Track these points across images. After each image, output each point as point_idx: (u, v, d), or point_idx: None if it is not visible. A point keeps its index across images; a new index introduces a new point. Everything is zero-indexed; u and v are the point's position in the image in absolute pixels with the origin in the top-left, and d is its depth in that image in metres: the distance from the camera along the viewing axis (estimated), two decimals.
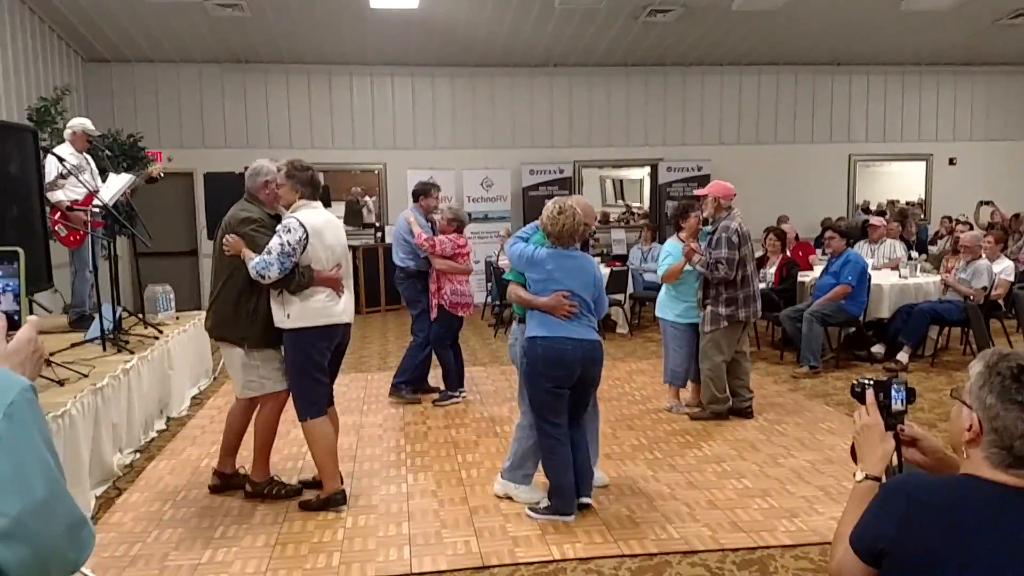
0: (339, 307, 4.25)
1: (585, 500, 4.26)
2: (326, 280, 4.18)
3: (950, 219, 12.26)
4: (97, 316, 5.90)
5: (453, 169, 12.49)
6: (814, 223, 13.05)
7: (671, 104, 13.50)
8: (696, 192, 6.17)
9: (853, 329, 8.01)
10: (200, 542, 3.97)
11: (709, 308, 5.73)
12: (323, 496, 4.33)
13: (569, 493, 4.14)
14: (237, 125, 12.44)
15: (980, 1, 10.59)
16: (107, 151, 7.16)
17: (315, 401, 4.26)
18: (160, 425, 5.98)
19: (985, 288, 7.42)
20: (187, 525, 4.18)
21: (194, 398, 6.83)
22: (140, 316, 6.58)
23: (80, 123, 6.58)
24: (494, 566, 3.66)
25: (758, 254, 8.98)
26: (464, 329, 6.75)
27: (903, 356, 7.56)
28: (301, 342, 4.16)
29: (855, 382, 2.03)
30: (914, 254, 11.04)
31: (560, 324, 4.08)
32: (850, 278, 7.47)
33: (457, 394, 6.52)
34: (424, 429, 5.85)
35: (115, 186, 6.10)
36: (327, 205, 12.26)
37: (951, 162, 14.15)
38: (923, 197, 14.39)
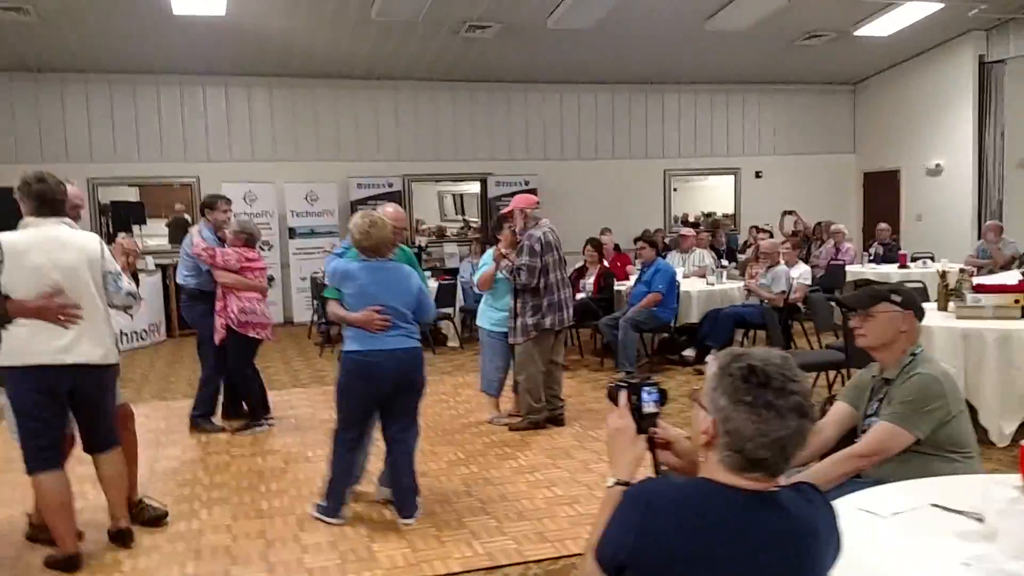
0: (54, 343, 3.58)
1: (411, 520, 4.21)
2: (24, 310, 3.54)
3: (756, 228, 13.02)
4: None
5: (273, 183, 12.03)
6: (635, 235, 13.50)
7: (497, 119, 13.59)
8: (503, 212, 6.17)
9: (666, 334, 8.28)
10: None
11: (518, 320, 5.73)
12: (52, 558, 3.76)
13: (342, 498, 4.22)
14: (30, 138, 11.43)
15: (777, 23, 11.32)
16: None
17: (38, 452, 3.65)
18: None
19: (784, 292, 7.85)
20: None
21: None
22: None
23: None
24: None
25: (578, 265, 9.18)
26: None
27: (711, 359, 7.85)
28: (7, 384, 3.66)
29: (609, 385, 1.98)
30: (724, 262, 11.66)
31: (374, 337, 4.06)
32: (660, 286, 7.72)
33: (263, 422, 6.11)
34: (227, 460, 5.47)
35: None
36: (139, 222, 11.47)
37: (757, 175, 15.03)
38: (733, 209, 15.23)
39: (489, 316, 6.08)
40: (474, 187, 13.86)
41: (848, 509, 2.29)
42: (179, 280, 6.16)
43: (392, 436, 4.27)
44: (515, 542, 3.99)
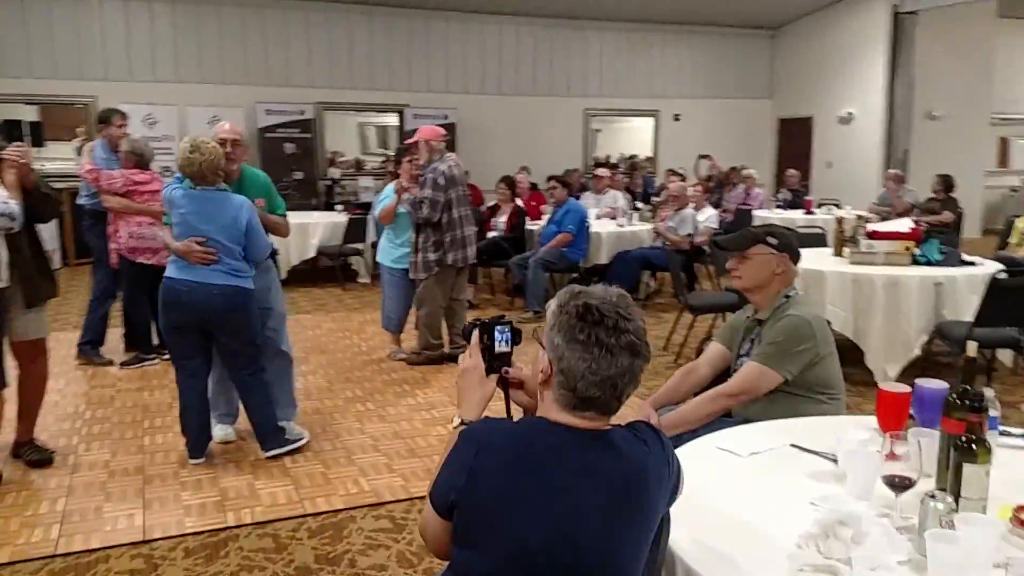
0: None
1: (274, 452, 4.17)
2: None
3: (672, 172, 13.10)
4: None
5: (176, 105, 11.48)
6: (553, 173, 13.43)
7: (416, 49, 13.21)
8: (407, 142, 5.96)
9: (575, 275, 8.30)
10: None
11: (420, 255, 5.61)
12: None
13: (196, 434, 4.12)
14: None
15: None
16: None
17: None
18: None
19: (690, 235, 7.93)
20: None
21: None
22: None
23: None
24: (156, 539, 3.31)
25: (491, 203, 9.08)
26: None
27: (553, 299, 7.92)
28: None
29: (465, 325, 1.94)
30: (639, 204, 11.73)
31: (189, 268, 3.88)
32: (570, 226, 7.71)
33: (151, 357, 5.87)
34: (112, 394, 5.28)
35: None
36: (37, 144, 10.85)
37: (676, 118, 15.09)
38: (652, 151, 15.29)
39: (390, 252, 5.95)
40: (392, 119, 13.53)
41: (708, 448, 2.32)
42: (78, 200, 5.85)
43: (235, 378, 4.15)
44: (403, 479, 3.97)
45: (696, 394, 2.86)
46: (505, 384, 1.89)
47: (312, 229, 9.06)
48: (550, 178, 8.10)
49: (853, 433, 2.21)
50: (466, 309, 6.19)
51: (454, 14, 13.20)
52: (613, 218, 9.08)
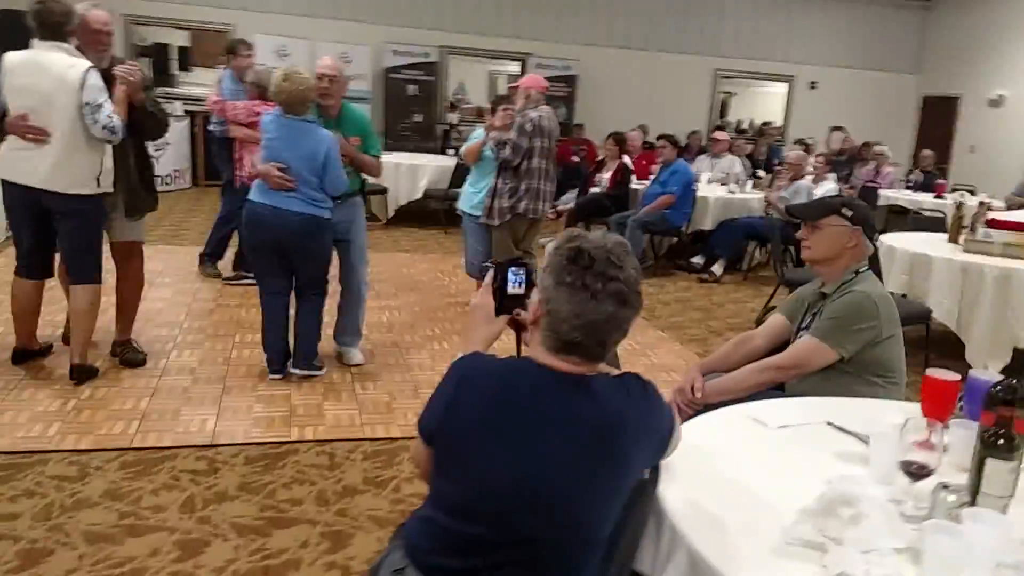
0: (22, 165, 3.80)
1: (296, 371, 4.35)
2: (10, 126, 3.78)
3: (800, 141, 12.56)
4: None
5: (308, 39, 11.79)
6: (676, 134, 13.10)
7: None
8: (510, 86, 5.92)
9: (677, 239, 8.15)
10: None
11: (495, 202, 5.54)
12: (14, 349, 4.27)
13: (275, 351, 4.32)
14: None
15: None
16: None
17: (17, 259, 4.12)
18: None
19: None
20: None
21: None
22: None
23: None
24: (221, 445, 3.52)
25: (599, 158, 8.97)
26: None
27: (717, 268, 7.76)
28: None
29: (483, 264, 1.94)
30: (761, 172, 11.33)
31: (271, 193, 4.03)
32: (675, 188, 7.53)
33: (251, 276, 6.11)
34: (211, 307, 5.59)
35: None
36: (183, 68, 11.44)
37: (812, 86, 14.42)
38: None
39: (470, 199, 5.88)
40: (515, 68, 13.49)
41: (738, 416, 2.26)
42: (209, 127, 6.17)
43: (300, 299, 4.32)
44: None
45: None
46: (517, 326, 1.89)
47: (421, 171, 9.21)
48: (659, 137, 7.92)
49: (892, 416, 2.09)
50: (535, 260, 6.15)
51: None
52: (725, 184, 8.81)
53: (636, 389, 1.60)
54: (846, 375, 2.61)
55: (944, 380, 2.07)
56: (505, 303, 1.85)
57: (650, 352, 5.34)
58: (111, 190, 4.04)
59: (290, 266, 4.21)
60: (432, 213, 9.52)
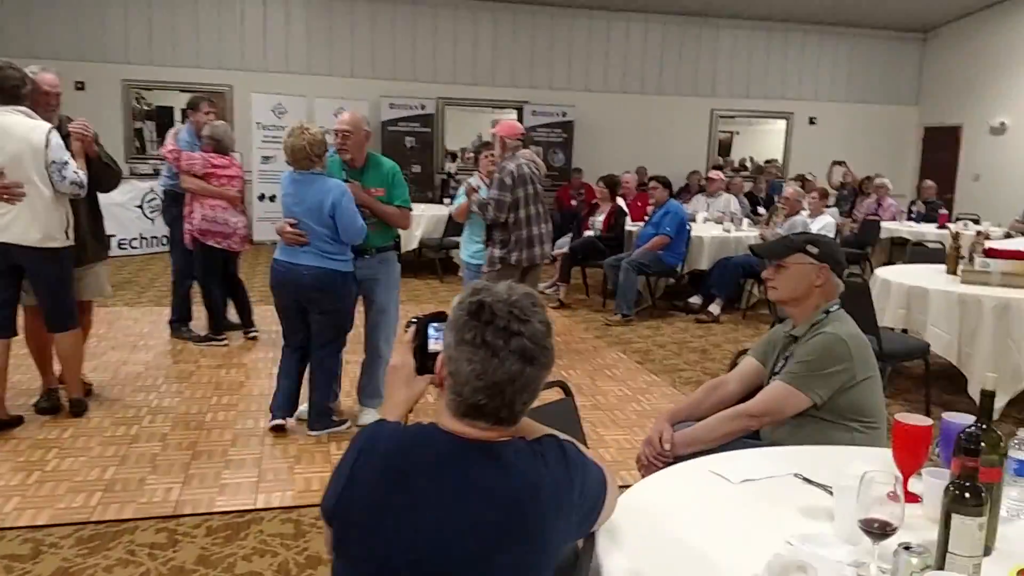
0: None
1: (313, 433, 4.30)
2: None
3: (801, 177, 12.46)
4: None
5: (305, 96, 11.87)
6: (675, 174, 13.06)
7: (539, 46, 13.16)
8: (490, 132, 5.91)
9: (672, 280, 8.01)
10: None
11: (489, 249, 5.51)
12: None
13: (279, 400, 4.34)
14: (68, 36, 11.45)
15: None
16: None
17: None
18: None
19: None
20: None
21: None
22: None
23: None
24: (184, 516, 3.37)
25: (593, 201, 8.89)
26: None
27: (715, 308, 7.60)
28: None
29: (407, 321, 1.80)
30: (762, 210, 11.22)
31: (286, 249, 4.13)
32: (668, 229, 7.43)
33: (220, 338, 6.01)
34: (192, 369, 5.46)
35: None
36: (167, 125, 11.61)
37: (811, 122, 14.36)
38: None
39: (468, 247, 5.91)
40: (510, 115, 13.51)
41: (698, 470, 2.11)
42: (158, 182, 6.14)
43: (312, 352, 4.29)
44: None
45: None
46: (442, 385, 1.75)
47: (416, 221, 9.14)
48: (650, 178, 7.84)
49: (859, 466, 1.93)
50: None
51: (582, 11, 13.06)
52: (722, 223, 8.70)
53: (553, 454, 1.45)
54: (822, 421, 2.46)
55: (915, 425, 1.91)
56: (427, 362, 1.69)
57: (641, 397, 5.17)
58: (72, 243, 4.16)
59: (307, 321, 4.23)
60: (428, 263, 9.44)
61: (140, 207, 10.58)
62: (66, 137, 4.12)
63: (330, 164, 4.28)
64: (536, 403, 2.57)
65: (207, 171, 5.67)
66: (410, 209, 4.52)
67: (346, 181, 4.23)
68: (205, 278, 5.92)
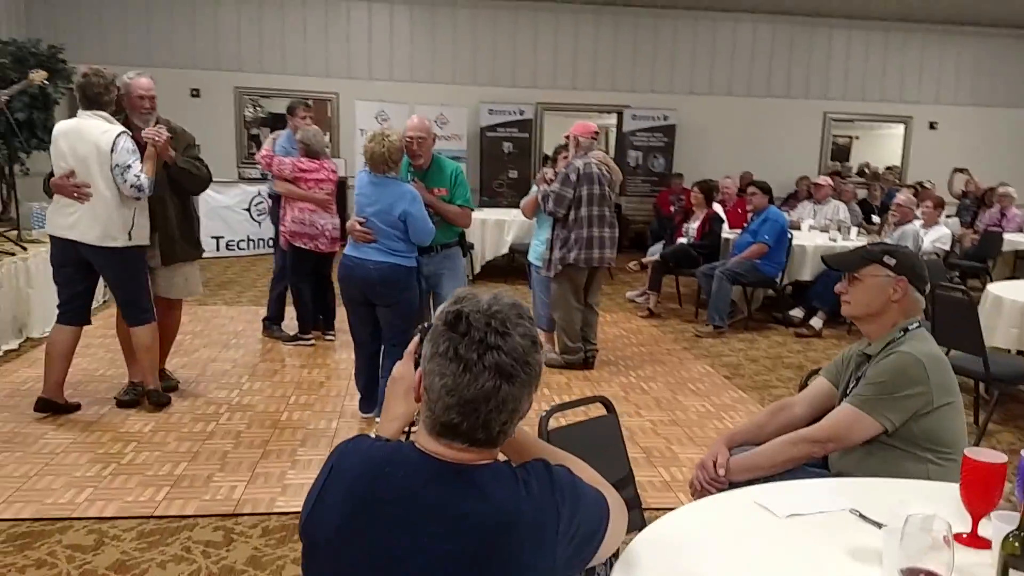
0: (61, 220, 4.19)
1: (366, 415, 4.58)
2: (55, 186, 4.17)
3: (919, 184, 11.77)
4: None
5: (406, 103, 12.02)
6: (784, 180, 12.61)
7: (641, 49, 12.91)
8: (564, 134, 5.84)
9: (772, 291, 7.66)
10: None
11: (551, 253, 5.54)
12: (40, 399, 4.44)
13: (364, 393, 4.59)
14: (185, 44, 11.98)
15: None
16: None
17: (59, 306, 4.41)
18: (12, 344, 5.76)
19: None
20: None
21: None
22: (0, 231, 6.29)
23: None
24: (243, 514, 3.39)
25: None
26: None
27: (817, 321, 7.22)
28: None
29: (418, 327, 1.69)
30: (876, 219, 10.67)
31: (355, 246, 4.30)
32: (767, 237, 7.09)
33: (307, 338, 6.10)
34: (276, 368, 5.57)
35: None
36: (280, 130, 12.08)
37: (932, 126, 13.56)
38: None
39: (535, 249, 5.94)
40: (611, 120, 13.34)
41: (742, 502, 1.93)
42: (266, 185, 6.32)
43: (385, 351, 4.46)
44: None
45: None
46: None
47: (508, 226, 9.12)
48: (749, 183, 7.52)
49: (921, 506, 1.72)
50: (596, 315, 5.89)
51: (685, 12, 12.74)
52: (828, 231, 8.27)
53: (538, 481, 1.32)
54: (893, 450, 2.23)
55: (986, 462, 1.68)
56: None
57: (724, 415, 4.92)
58: (145, 243, 4.32)
59: (376, 316, 4.36)
60: (518, 267, 9.37)
61: (247, 210, 10.94)
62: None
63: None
64: (577, 418, 2.47)
65: (296, 175, 5.78)
66: (472, 209, 4.71)
67: (411, 181, 4.42)
68: (295, 278, 6.03)
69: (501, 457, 1.39)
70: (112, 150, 4.08)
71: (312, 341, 6.11)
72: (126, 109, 4.39)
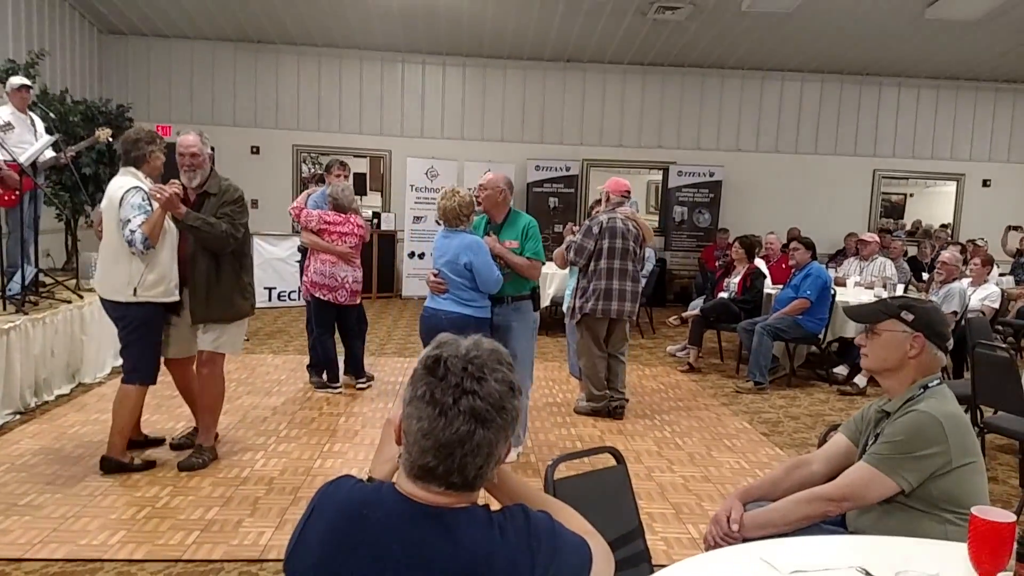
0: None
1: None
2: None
3: (972, 242, 11.55)
4: (20, 273, 5.99)
5: (456, 160, 12.29)
6: (832, 237, 12.50)
7: (687, 107, 13.03)
8: (599, 187, 6.06)
9: (815, 348, 7.54)
10: None
11: (574, 300, 5.80)
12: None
13: None
14: (246, 104, 12.46)
15: (1013, 14, 9.91)
16: (49, 112, 7.10)
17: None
18: (64, 389, 5.95)
19: (955, 313, 6.84)
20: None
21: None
22: (59, 280, 6.55)
23: (12, 80, 6.57)
24: (269, 560, 3.43)
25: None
26: None
27: (861, 379, 7.07)
28: None
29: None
30: (925, 276, 10.47)
31: (432, 297, 4.62)
32: (808, 292, 7.02)
33: (336, 385, 6.25)
34: (313, 416, 5.65)
35: (37, 146, 6.10)
36: (361, 192, 12.68)
37: (985, 183, 13.34)
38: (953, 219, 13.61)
39: (566, 298, 6.19)
40: (656, 176, 13.41)
41: (745, 556, 1.91)
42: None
43: None
44: None
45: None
46: None
47: (549, 279, 9.16)
48: (791, 239, 7.47)
49: (929, 565, 1.69)
50: (623, 364, 5.91)
51: (734, 71, 12.85)
52: (870, 288, 8.15)
53: (514, 525, 1.34)
54: (911, 510, 2.18)
55: (994, 521, 1.65)
56: None
57: (759, 472, 4.83)
58: (156, 300, 4.27)
59: None
60: (560, 320, 9.39)
61: (300, 262, 11.21)
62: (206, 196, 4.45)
63: (476, 220, 4.74)
64: (587, 468, 2.46)
65: (321, 227, 6.00)
66: (542, 262, 4.77)
67: (486, 235, 4.66)
68: (317, 328, 6.17)
69: (482, 501, 1.42)
70: (119, 205, 4.17)
71: (340, 388, 6.26)
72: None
